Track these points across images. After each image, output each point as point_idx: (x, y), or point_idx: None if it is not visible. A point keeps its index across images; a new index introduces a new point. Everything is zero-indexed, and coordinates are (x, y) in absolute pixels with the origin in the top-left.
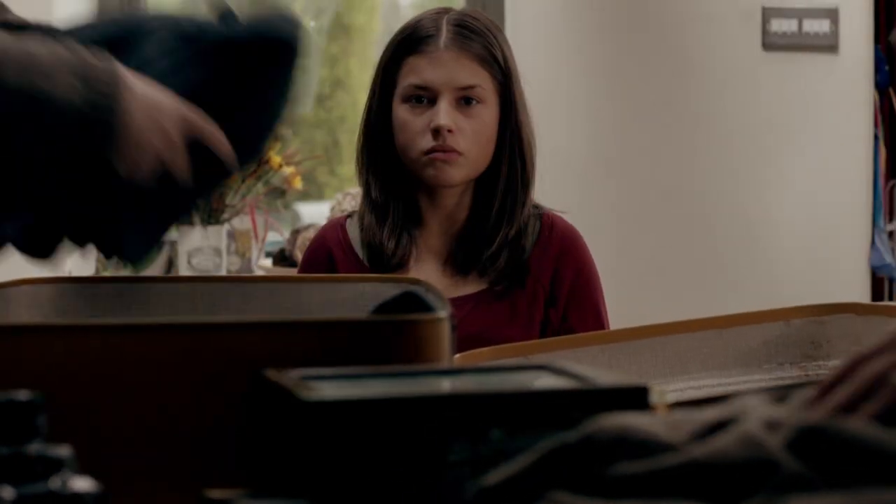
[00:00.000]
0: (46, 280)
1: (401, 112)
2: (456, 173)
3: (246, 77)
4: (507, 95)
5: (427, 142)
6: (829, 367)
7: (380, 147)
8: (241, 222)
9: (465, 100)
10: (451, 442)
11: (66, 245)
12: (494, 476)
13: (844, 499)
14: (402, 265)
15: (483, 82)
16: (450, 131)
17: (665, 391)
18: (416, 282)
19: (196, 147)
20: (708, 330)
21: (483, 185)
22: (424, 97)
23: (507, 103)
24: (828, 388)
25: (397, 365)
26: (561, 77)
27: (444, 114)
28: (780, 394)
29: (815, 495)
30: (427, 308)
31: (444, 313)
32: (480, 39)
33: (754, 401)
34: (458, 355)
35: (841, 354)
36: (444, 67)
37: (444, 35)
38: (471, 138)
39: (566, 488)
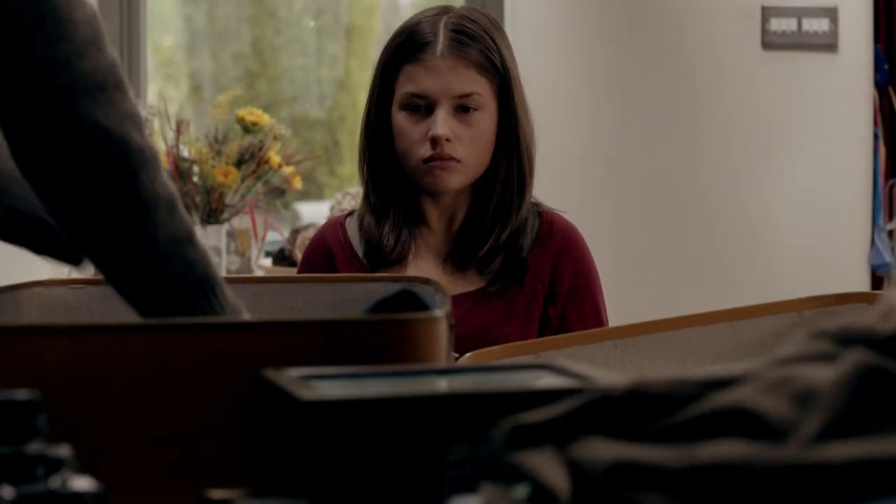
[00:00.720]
0: (57, 282)
1: (399, 119)
2: (454, 180)
3: None
4: (505, 98)
5: (425, 150)
6: None
7: (380, 150)
8: (241, 222)
9: (463, 107)
10: (450, 442)
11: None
12: (532, 416)
13: (887, 444)
14: (400, 262)
15: (481, 89)
16: (447, 140)
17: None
18: (427, 281)
19: None
20: (720, 322)
21: (482, 184)
22: (422, 105)
23: (505, 106)
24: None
25: (395, 364)
26: (560, 76)
27: (442, 123)
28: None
29: (860, 439)
30: (423, 306)
31: (440, 312)
32: (478, 45)
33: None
34: (468, 354)
35: None
36: (441, 76)
37: (441, 42)
38: (469, 145)
39: (604, 435)
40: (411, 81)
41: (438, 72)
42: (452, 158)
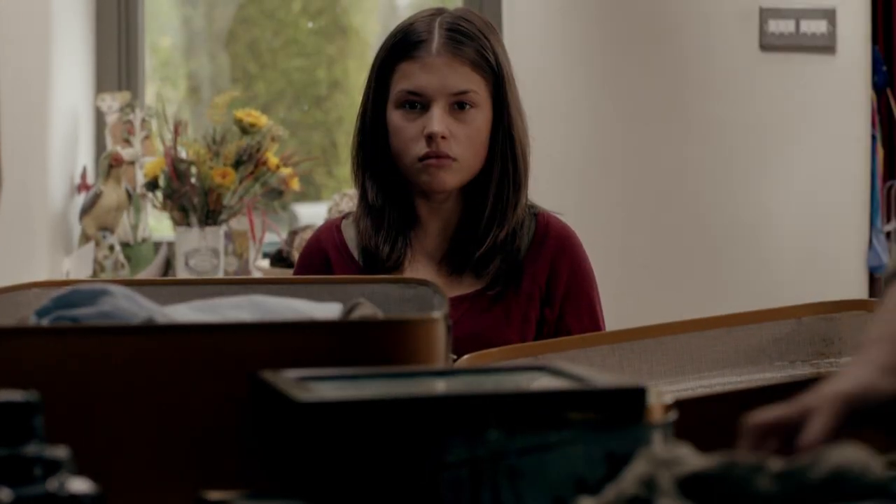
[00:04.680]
0: (55, 283)
1: (394, 118)
2: (450, 179)
3: None
4: (499, 97)
5: (421, 148)
6: (840, 364)
7: (374, 151)
8: (239, 223)
9: (459, 104)
10: (448, 442)
11: None
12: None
13: None
14: (397, 267)
15: (476, 87)
16: (443, 137)
17: (667, 391)
18: (425, 283)
19: None
20: (719, 328)
21: (476, 186)
22: (417, 103)
23: (499, 105)
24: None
25: (393, 365)
26: (557, 78)
27: (438, 120)
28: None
29: None
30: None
31: (438, 314)
32: (473, 44)
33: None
34: (466, 356)
35: (852, 351)
36: (437, 73)
37: (437, 40)
38: (464, 143)
39: None
40: (406, 79)
41: (434, 69)
42: (448, 156)
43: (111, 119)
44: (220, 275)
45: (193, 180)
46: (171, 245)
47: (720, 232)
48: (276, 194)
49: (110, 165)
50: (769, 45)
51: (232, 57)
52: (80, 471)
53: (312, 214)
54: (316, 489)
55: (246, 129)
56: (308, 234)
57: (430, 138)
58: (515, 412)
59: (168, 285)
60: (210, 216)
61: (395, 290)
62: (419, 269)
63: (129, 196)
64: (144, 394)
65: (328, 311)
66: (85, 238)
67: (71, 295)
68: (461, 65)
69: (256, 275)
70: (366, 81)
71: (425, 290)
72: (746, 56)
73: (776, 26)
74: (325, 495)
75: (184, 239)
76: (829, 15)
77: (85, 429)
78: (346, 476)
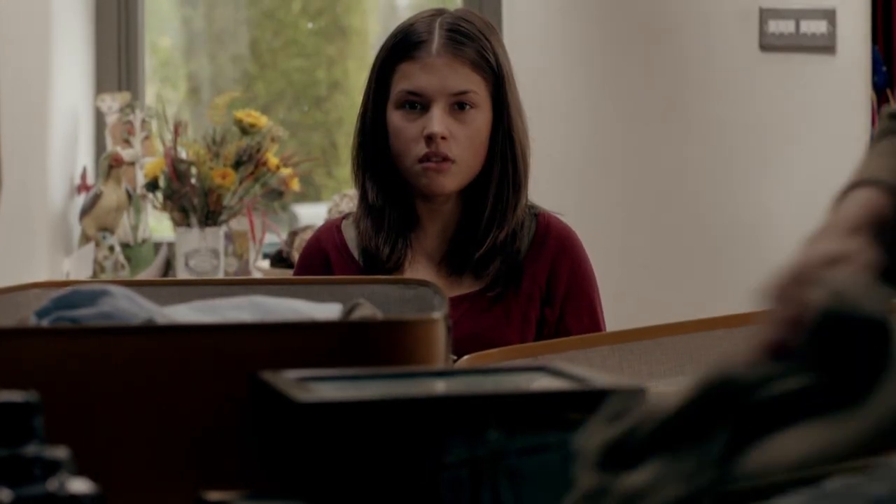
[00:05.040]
0: (56, 283)
1: (394, 118)
2: (449, 182)
3: None
4: (499, 98)
5: (420, 149)
6: None
7: (374, 151)
8: (239, 224)
9: (459, 105)
10: (448, 442)
11: None
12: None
13: None
14: (397, 268)
15: (476, 87)
16: (443, 138)
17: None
18: (425, 283)
19: None
20: (720, 329)
21: (476, 186)
22: (418, 103)
23: (499, 106)
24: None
25: (393, 366)
26: (558, 78)
27: (438, 121)
28: None
29: None
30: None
31: (438, 314)
32: (473, 44)
33: None
34: (466, 357)
35: None
36: (437, 74)
37: (437, 41)
38: (464, 144)
39: None
40: (406, 79)
41: (434, 69)
42: (447, 158)
43: (111, 119)
44: (220, 275)
45: (193, 181)
46: (171, 246)
47: (720, 232)
48: (276, 195)
49: (110, 166)
50: (769, 45)
51: (232, 57)
52: (80, 471)
53: (312, 215)
54: (316, 489)
55: (246, 130)
56: (308, 235)
57: (430, 139)
58: (515, 412)
59: (168, 286)
60: (210, 217)
61: (395, 291)
62: (419, 269)
63: (129, 197)
64: (144, 394)
65: (328, 311)
66: (85, 239)
67: (71, 296)
68: (461, 65)
69: (256, 275)
70: (366, 82)
71: (425, 290)
72: (746, 56)
73: (776, 26)
74: (325, 495)
75: (184, 239)
76: (829, 15)
77: (85, 429)
78: (346, 476)
